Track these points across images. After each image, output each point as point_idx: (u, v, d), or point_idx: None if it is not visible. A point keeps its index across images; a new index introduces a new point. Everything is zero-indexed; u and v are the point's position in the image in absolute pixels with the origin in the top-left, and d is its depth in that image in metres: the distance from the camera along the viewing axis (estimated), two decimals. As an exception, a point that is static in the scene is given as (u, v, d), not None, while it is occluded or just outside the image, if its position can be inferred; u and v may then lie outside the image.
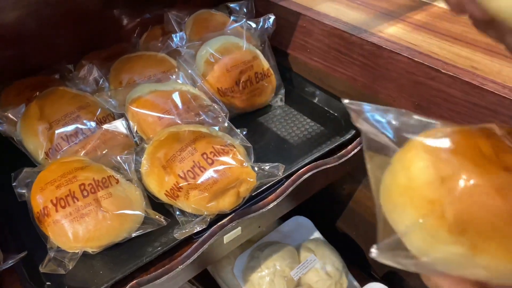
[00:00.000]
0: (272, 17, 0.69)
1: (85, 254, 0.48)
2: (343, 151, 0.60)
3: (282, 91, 0.71)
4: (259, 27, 0.69)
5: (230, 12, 0.74)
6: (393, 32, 0.62)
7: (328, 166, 0.58)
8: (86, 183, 0.47)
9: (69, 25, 0.72)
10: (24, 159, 0.56)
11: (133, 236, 0.48)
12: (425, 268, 0.25)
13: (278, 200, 0.54)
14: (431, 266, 0.25)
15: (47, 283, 0.46)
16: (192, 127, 0.53)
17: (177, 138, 0.52)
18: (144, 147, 0.54)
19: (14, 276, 0.47)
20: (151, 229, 0.49)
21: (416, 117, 0.29)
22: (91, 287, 0.44)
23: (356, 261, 0.84)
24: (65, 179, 0.47)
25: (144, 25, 0.78)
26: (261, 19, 0.69)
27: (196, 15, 0.73)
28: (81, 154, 0.54)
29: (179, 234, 0.48)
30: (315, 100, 0.71)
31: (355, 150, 0.61)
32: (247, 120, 0.68)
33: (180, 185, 0.48)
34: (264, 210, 0.52)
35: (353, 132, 0.62)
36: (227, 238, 0.50)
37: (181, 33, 0.68)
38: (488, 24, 0.24)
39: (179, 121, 0.56)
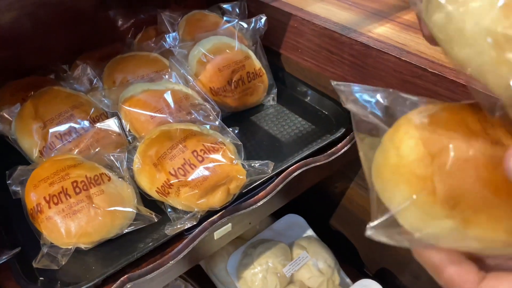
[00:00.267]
0: (264, 18, 0.70)
1: (77, 250, 0.49)
2: (333, 149, 0.61)
3: (274, 90, 0.72)
4: (251, 27, 0.70)
5: (223, 12, 0.75)
6: (382, 32, 0.63)
7: (318, 163, 0.59)
8: (79, 180, 0.48)
9: (64, 26, 0.73)
10: (18, 158, 0.57)
11: (124, 232, 0.49)
12: (418, 243, 0.26)
13: (268, 197, 0.54)
14: (424, 241, 0.25)
15: (41, 278, 0.47)
16: (183, 126, 0.54)
17: (168, 136, 0.53)
18: (136, 146, 0.55)
19: (8, 272, 0.48)
20: (142, 226, 0.50)
21: (403, 95, 0.29)
22: (83, 282, 0.45)
23: (349, 259, 0.85)
24: (58, 177, 0.48)
25: (138, 26, 0.79)
26: (253, 19, 0.70)
27: (189, 15, 0.74)
28: (75, 153, 0.55)
29: (170, 230, 0.49)
30: (307, 99, 0.72)
31: (345, 148, 0.62)
32: (240, 119, 0.69)
33: (171, 182, 0.49)
34: (254, 206, 0.53)
35: (343, 130, 0.63)
36: (217, 234, 0.51)
37: (174, 33, 0.69)
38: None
39: (171, 120, 0.57)
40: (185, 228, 0.49)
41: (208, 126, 0.57)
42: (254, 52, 0.69)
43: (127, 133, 0.59)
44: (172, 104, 0.58)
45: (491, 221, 0.23)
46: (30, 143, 0.56)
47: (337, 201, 0.83)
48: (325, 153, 0.60)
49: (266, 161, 0.54)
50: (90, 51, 0.75)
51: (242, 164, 0.53)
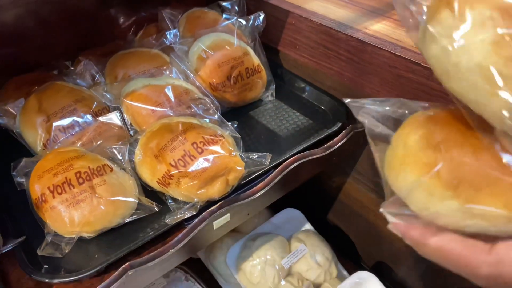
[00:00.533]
0: (262, 15, 0.72)
1: (80, 239, 0.50)
2: (330, 142, 0.62)
3: (273, 86, 0.74)
4: (249, 24, 0.72)
5: (222, 10, 0.77)
6: (378, 29, 0.65)
7: (315, 156, 0.61)
8: (82, 171, 0.50)
9: (66, 24, 0.75)
10: (23, 151, 0.59)
11: (126, 221, 0.51)
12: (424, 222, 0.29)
13: (266, 189, 0.56)
14: (431, 221, 0.28)
15: (45, 266, 0.48)
16: (183, 119, 0.56)
17: (169, 129, 0.54)
18: (138, 139, 0.56)
19: (13, 260, 0.49)
20: (144, 215, 0.51)
21: (408, 102, 0.34)
22: (86, 269, 0.47)
23: (346, 252, 0.87)
24: (62, 168, 0.50)
25: (139, 23, 0.80)
26: (252, 16, 0.72)
27: (189, 13, 0.75)
28: (78, 145, 0.56)
29: (170, 220, 0.50)
30: (304, 95, 0.74)
31: (342, 142, 0.63)
32: (239, 114, 0.70)
33: (171, 173, 0.51)
34: (252, 197, 0.55)
35: (340, 124, 0.64)
36: (216, 224, 0.53)
37: (174, 30, 0.71)
38: None
39: (171, 114, 0.58)
40: (185, 217, 0.51)
41: (207, 120, 0.58)
42: (253, 49, 0.71)
43: (128, 127, 0.60)
44: (172, 98, 0.59)
45: (491, 197, 0.26)
46: (34, 136, 0.57)
47: (334, 196, 0.85)
48: (322, 146, 0.62)
49: (264, 153, 0.55)
50: (91, 48, 0.76)
51: (241, 156, 0.54)
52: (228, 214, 0.53)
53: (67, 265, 0.48)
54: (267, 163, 0.55)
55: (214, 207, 0.52)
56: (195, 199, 0.51)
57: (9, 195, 0.56)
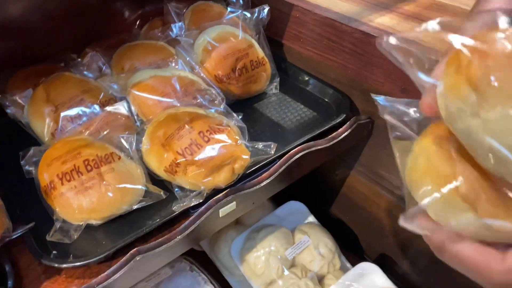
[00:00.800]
0: (267, 8, 0.73)
1: (88, 227, 0.51)
2: (334, 133, 0.63)
3: (277, 79, 0.74)
4: (254, 17, 0.72)
5: (227, 3, 0.77)
6: (382, 22, 0.65)
7: (319, 147, 0.61)
8: (90, 159, 0.50)
9: (72, 18, 0.75)
10: (30, 141, 0.59)
11: (134, 208, 0.51)
12: (445, 232, 0.29)
13: (271, 178, 0.57)
14: (451, 230, 0.29)
15: (54, 251, 0.49)
16: (190, 109, 0.57)
17: (175, 119, 0.55)
18: (144, 129, 0.57)
19: (22, 247, 0.50)
20: (151, 202, 0.52)
21: None
22: (94, 254, 0.47)
23: (349, 245, 0.87)
24: (70, 155, 0.51)
25: (145, 17, 0.81)
26: (256, 9, 0.73)
27: (194, 6, 0.76)
28: (85, 135, 0.57)
29: (177, 207, 0.51)
30: (308, 88, 0.74)
31: (346, 133, 0.64)
32: (243, 106, 0.71)
33: (178, 161, 0.51)
34: (258, 186, 0.56)
35: (344, 116, 0.65)
36: (222, 212, 0.53)
37: (180, 23, 0.71)
38: None
39: (177, 104, 0.59)
40: (192, 205, 0.51)
41: (213, 110, 0.59)
42: (257, 42, 0.71)
43: (135, 118, 0.61)
44: (178, 89, 0.60)
45: (508, 213, 0.26)
46: (42, 125, 0.58)
47: (337, 189, 0.85)
48: (326, 137, 0.62)
49: (269, 142, 0.56)
50: (97, 41, 0.77)
51: (246, 145, 0.55)
52: (234, 202, 0.54)
53: (75, 251, 0.49)
54: (272, 152, 0.56)
55: (220, 195, 0.53)
56: (202, 187, 0.52)
57: (18, 184, 0.56)
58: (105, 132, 0.57)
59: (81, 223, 0.50)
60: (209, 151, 0.52)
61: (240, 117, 0.61)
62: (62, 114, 0.58)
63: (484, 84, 0.24)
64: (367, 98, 0.68)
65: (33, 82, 0.63)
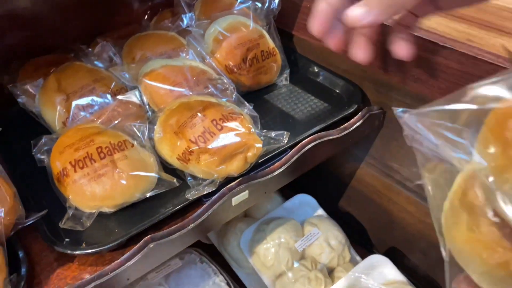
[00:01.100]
0: (278, -2, 0.72)
1: (101, 215, 0.51)
2: (346, 124, 0.63)
3: (287, 70, 0.74)
4: (265, 7, 0.72)
5: (238, -6, 0.77)
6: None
7: (331, 137, 0.61)
8: (103, 146, 0.50)
9: (82, 9, 0.75)
10: (42, 130, 0.59)
11: (147, 196, 0.51)
12: None
13: (283, 168, 0.56)
14: None
15: (66, 239, 0.49)
16: (202, 97, 0.56)
17: (188, 107, 0.55)
18: (157, 117, 0.57)
19: (35, 234, 0.50)
20: (164, 190, 0.52)
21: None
22: (107, 242, 0.47)
23: (358, 239, 0.87)
24: (83, 143, 0.50)
25: (155, 8, 0.81)
26: (267, 0, 0.72)
27: (204, -3, 0.76)
28: (97, 124, 0.57)
29: (190, 195, 0.51)
30: (319, 79, 0.74)
31: (358, 124, 0.63)
32: (254, 97, 0.70)
33: (192, 149, 0.51)
34: (270, 176, 0.55)
35: (355, 106, 0.65)
36: (235, 201, 0.53)
37: (190, 13, 0.71)
38: None
39: (189, 93, 0.59)
40: (205, 193, 0.51)
41: (225, 100, 0.59)
42: (268, 33, 0.71)
43: (146, 107, 0.61)
44: (190, 79, 0.60)
45: None
46: (53, 114, 0.58)
47: (346, 182, 0.85)
48: (338, 128, 0.62)
49: (282, 131, 0.56)
50: (107, 32, 0.77)
51: (259, 134, 0.55)
52: (247, 191, 0.54)
53: (88, 239, 0.49)
54: (285, 141, 0.55)
55: (233, 183, 0.52)
56: (215, 175, 0.52)
57: (30, 173, 0.56)
58: (116, 121, 0.57)
59: (93, 211, 0.50)
60: (222, 139, 0.51)
61: (251, 107, 0.61)
62: (74, 103, 0.58)
63: None
64: (378, 89, 0.67)
65: (44, 72, 0.63)
